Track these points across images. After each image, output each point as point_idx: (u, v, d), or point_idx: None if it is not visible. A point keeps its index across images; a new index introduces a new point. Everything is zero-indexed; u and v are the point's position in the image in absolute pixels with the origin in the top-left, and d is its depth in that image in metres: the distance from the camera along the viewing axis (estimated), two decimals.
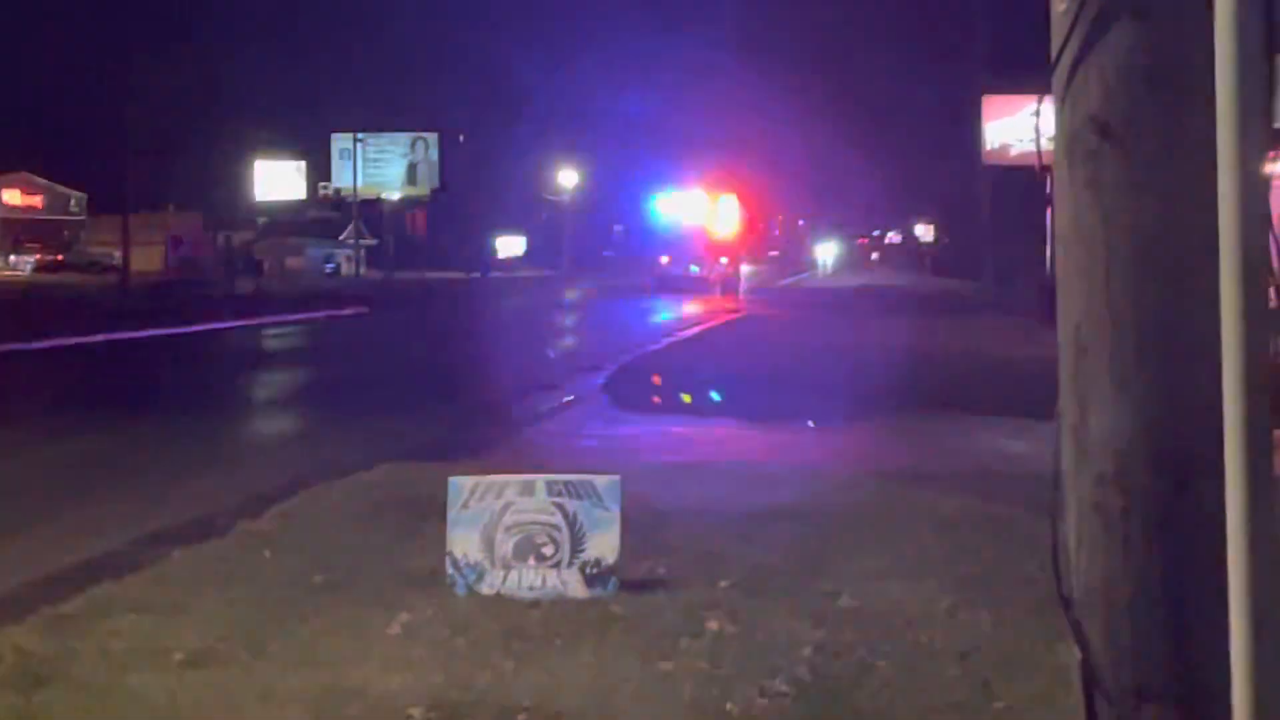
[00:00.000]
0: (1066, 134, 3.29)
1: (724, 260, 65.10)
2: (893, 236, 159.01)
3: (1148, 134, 3.17)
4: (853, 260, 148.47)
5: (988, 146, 49.20)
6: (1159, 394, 3.16)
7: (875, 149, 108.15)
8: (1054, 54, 3.29)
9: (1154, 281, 3.16)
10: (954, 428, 15.12)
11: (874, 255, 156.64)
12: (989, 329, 34.46)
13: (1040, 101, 3.37)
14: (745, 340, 31.83)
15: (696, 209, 69.24)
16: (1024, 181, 44.09)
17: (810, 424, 15.33)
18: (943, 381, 20.30)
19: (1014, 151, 46.94)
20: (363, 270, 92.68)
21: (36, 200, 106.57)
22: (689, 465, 12.00)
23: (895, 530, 8.66)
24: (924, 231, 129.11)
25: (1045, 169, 3.45)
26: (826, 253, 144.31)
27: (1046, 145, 3.42)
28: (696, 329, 35.56)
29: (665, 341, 30.67)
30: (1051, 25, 3.32)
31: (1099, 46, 3.19)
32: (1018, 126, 46.23)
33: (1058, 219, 3.32)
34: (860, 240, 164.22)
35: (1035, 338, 26.12)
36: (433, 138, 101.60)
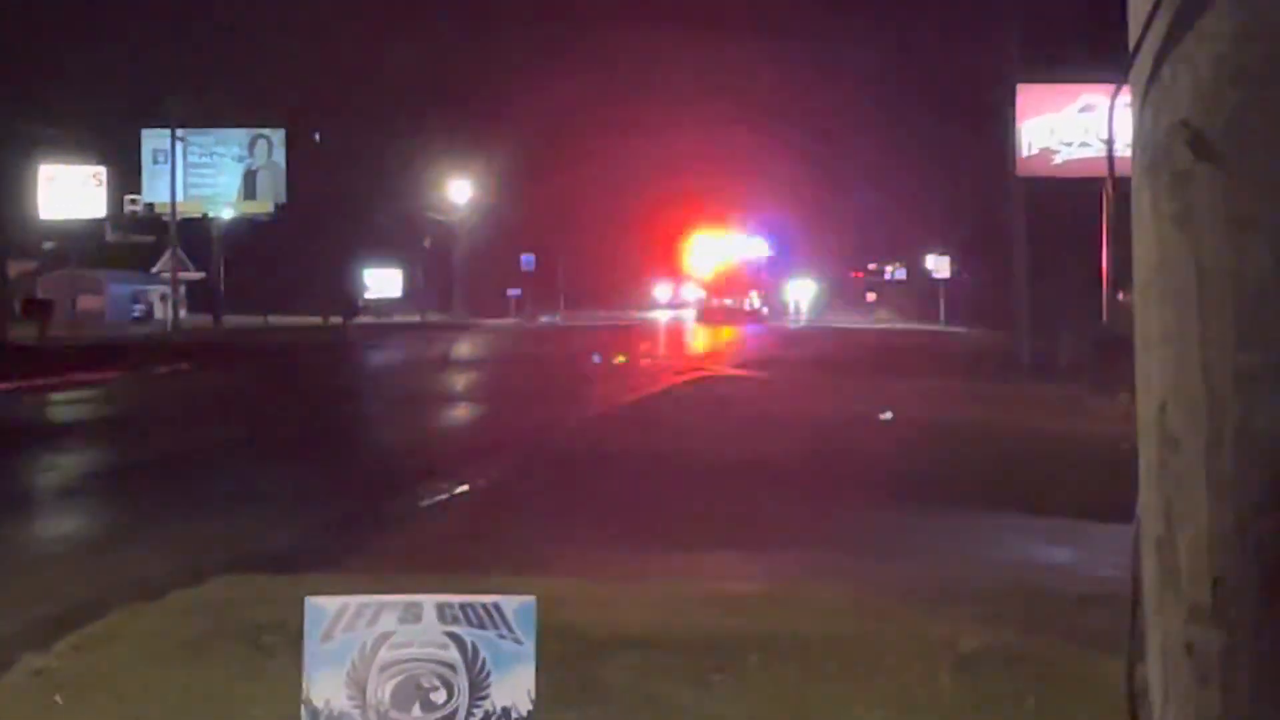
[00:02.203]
0: (1149, 149, 3.25)
1: (754, 294, 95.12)
2: (895, 271, 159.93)
3: (1256, 149, 3.14)
4: (840, 302, 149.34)
5: (1023, 153, 49.34)
6: (1274, 497, 3.14)
7: (872, 159, 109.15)
8: (1132, 42, 3.27)
9: (1265, 347, 3.14)
10: (980, 529, 15.15)
11: (870, 295, 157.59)
12: (1024, 397, 34.69)
13: (1115, 94, 3.35)
14: (713, 410, 31.84)
15: (729, 248, 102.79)
16: (1072, 199, 44.35)
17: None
18: (965, 466, 20.38)
19: (1058, 159, 47.31)
20: (183, 313, 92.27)
21: None
22: (631, 579, 11.96)
23: (903, 669, 8.66)
24: (938, 265, 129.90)
25: (1114, 184, 3.44)
26: (801, 291, 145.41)
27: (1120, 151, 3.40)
28: (634, 397, 35.57)
29: (601, 410, 30.70)
30: (1130, 2, 3.29)
31: (1192, 31, 3.17)
32: (1063, 126, 46.59)
33: (1137, 264, 3.29)
34: (854, 275, 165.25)
35: (1086, 409, 26.31)
36: (278, 136, 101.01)
